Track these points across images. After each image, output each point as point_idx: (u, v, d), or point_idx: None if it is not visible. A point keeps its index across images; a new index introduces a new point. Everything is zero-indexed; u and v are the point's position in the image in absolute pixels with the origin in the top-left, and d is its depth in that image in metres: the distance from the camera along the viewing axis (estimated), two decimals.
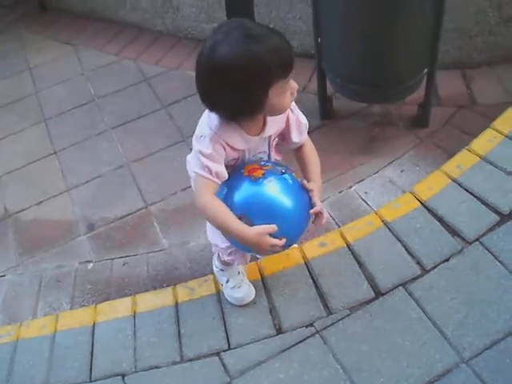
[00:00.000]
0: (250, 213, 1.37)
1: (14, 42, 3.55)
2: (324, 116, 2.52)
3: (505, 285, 1.66)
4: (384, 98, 2.32)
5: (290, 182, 1.43)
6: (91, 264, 2.18)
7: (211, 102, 1.31)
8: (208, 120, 1.36)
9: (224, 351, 1.69)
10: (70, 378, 1.73)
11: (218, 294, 1.84)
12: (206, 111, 1.38)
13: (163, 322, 1.81)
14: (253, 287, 1.79)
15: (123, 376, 1.70)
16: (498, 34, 2.63)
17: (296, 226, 1.45)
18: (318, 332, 1.67)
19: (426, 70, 2.21)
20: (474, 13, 2.56)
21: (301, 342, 1.66)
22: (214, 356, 1.69)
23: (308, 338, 1.67)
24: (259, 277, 1.85)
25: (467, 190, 1.93)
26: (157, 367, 1.70)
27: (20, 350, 1.84)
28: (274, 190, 1.40)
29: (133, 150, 2.59)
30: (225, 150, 1.37)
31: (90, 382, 1.71)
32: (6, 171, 2.66)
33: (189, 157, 1.52)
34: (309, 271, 1.82)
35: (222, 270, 1.79)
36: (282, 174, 1.43)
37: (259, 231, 1.34)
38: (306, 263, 1.85)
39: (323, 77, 2.36)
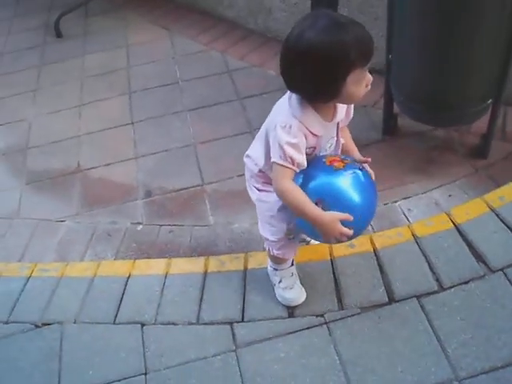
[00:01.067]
0: (327, 199, 1.44)
1: (119, 20, 3.85)
2: (386, 132, 2.58)
3: None
4: (443, 122, 2.35)
5: (366, 178, 1.52)
6: (141, 226, 2.36)
7: (293, 82, 1.38)
8: (290, 109, 1.43)
9: (237, 322, 1.82)
10: (97, 317, 1.92)
11: (245, 271, 1.97)
12: (283, 100, 1.47)
13: (189, 286, 1.96)
14: (304, 290, 1.84)
15: (143, 325, 1.86)
16: None
17: (366, 220, 1.54)
18: (326, 323, 1.76)
19: (490, 100, 2.23)
20: None
21: (308, 328, 1.76)
22: (226, 325, 1.82)
23: (315, 326, 1.76)
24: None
25: (503, 221, 1.94)
26: (174, 324, 1.85)
27: (62, 285, 2.06)
28: (352, 182, 1.47)
29: (202, 133, 2.76)
30: (306, 138, 1.44)
31: (114, 323, 1.89)
32: (86, 132, 2.92)
33: (252, 152, 1.63)
34: (332, 267, 1.91)
35: (275, 269, 1.84)
36: (360, 169, 1.51)
37: (334, 217, 1.42)
38: (331, 259, 1.94)
39: (390, 93, 2.43)
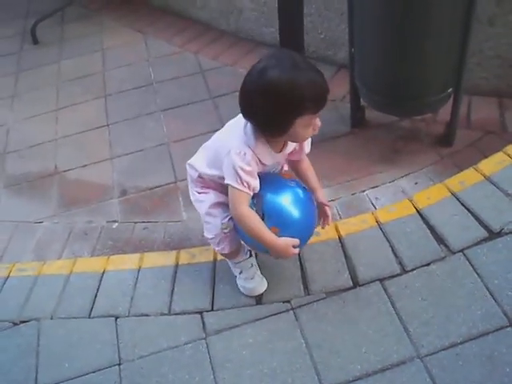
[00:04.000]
0: (279, 225, 1.59)
1: (95, 25, 3.91)
2: (354, 124, 2.65)
3: (476, 295, 1.74)
4: (405, 112, 2.42)
5: (307, 193, 1.70)
6: (116, 224, 2.42)
7: (248, 111, 1.48)
8: (245, 138, 1.53)
9: (207, 311, 1.87)
10: (73, 312, 1.97)
11: (215, 263, 2.03)
12: (237, 124, 1.57)
13: (161, 279, 2.02)
14: (265, 280, 1.91)
15: (116, 317, 1.92)
16: None
17: (309, 232, 1.71)
18: (292, 309, 1.82)
19: (451, 89, 2.29)
20: None
21: (275, 314, 1.82)
22: (196, 314, 1.87)
23: (282, 312, 1.82)
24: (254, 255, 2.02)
25: (463, 205, 2.01)
26: (147, 315, 1.91)
27: (39, 283, 2.11)
28: (298, 195, 1.65)
29: (175, 132, 2.82)
30: (257, 165, 1.55)
31: (89, 317, 1.94)
32: (63, 135, 2.98)
33: (195, 161, 1.81)
34: (298, 255, 1.96)
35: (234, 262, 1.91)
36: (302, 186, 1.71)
37: (287, 243, 1.58)
38: None
39: (355, 87, 2.49)
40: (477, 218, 1.96)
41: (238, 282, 1.91)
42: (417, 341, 1.66)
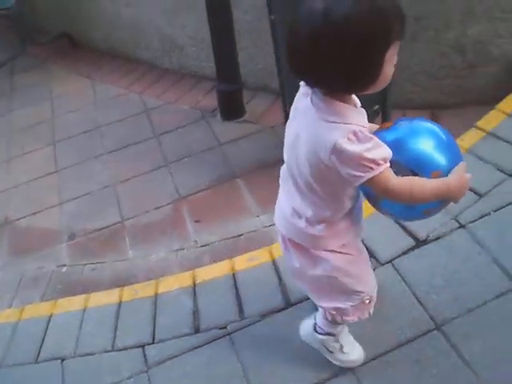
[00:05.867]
0: (434, 166, 1.25)
1: (44, 74, 4.03)
2: None
3: (404, 303, 1.80)
4: None
5: (422, 120, 1.36)
6: (66, 267, 2.48)
7: (323, 72, 1.10)
8: (333, 120, 1.14)
9: (148, 344, 1.92)
10: (21, 359, 2.02)
11: (156, 296, 2.09)
12: (310, 117, 1.17)
13: (105, 317, 2.07)
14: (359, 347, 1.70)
15: (63, 360, 1.96)
16: (464, 77, 2.78)
17: (459, 149, 1.35)
18: (229, 334, 1.87)
19: (376, 107, 2.39)
20: (438, 57, 2.72)
21: (212, 341, 1.87)
22: (138, 348, 1.92)
23: (219, 338, 1.87)
24: (191, 283, 2.08)
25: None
26: (91, 354, 1.95)
27: None
28: (420, 128, 1.32)
29: (121, 172, 2.90)
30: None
31: (36, 363, 1.98)
32: (14, 185, 3.05)
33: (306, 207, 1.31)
34: (234, 281, 2.03)
35: (332, 334, 1.61)
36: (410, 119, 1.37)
37: (460, 174, 1.25)
38: (233, 274, 2.06)
39: (287, 113, 2.58)
40: (404, 229, 2.03)
41: (336, 357, 1.66)
42: None
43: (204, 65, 3.31)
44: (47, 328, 2.10)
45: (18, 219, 2.81)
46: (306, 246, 1.37)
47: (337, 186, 1.23)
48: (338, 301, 1.46)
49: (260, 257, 2.09)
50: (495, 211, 1.99)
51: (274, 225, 2.25)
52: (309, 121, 1.18)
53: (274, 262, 2.06)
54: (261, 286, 2.00)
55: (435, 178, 1.23)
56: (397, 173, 1.20)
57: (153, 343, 1.93)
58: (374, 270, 1.90)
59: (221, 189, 2.65)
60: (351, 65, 1.07)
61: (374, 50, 1.07)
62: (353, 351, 1.66)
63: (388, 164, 1.16)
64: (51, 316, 2.15)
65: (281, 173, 1.39)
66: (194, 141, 2.96)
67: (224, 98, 3.01)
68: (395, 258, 1.95)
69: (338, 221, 1.32)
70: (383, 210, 1.38)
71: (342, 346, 1.63)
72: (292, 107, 1.28)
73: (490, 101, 2.54)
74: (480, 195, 2.05)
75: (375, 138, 1.15)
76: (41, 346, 2.03)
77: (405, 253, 1.96)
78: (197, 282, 2.09)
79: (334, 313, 1.49)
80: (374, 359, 1.68)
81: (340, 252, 1.37)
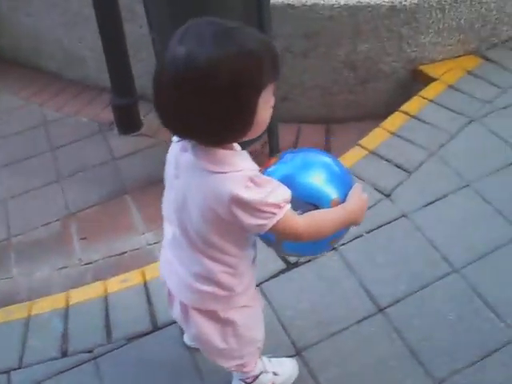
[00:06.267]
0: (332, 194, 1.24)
1: None
2: None
3: (268, 329, 1.77)
4: None
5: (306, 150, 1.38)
6: None
7: (190, 122, 1.04)
8: (222, 171, 1.08)
9: (14, 370, 1.91)
10: None
11: (28, 319, 2.07)
12: (197, 172, 1.10)
13: None
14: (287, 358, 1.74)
15: None
16: (357, 92, 2.88)
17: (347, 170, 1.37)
18: (94, 358, 1.89)
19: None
20: (330, 73, 2.81)
21: (78, 365, 1.88)
22: (4, 374, 1.91)
23: (85, 362, 1.88)
24: (63, 305, 2.08)
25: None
26: None
27: None
28: (310, 158, 1.31)
29: (13, 187, 2.87)
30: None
31: None
32: None
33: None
34: (106, 303, 2.05)
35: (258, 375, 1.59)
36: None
37: (356, 196, 1.24)
38: (106, 296, 2.08)
39: None
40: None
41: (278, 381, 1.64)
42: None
43: (104, 77, 3.28)
44: None
45: None
46: (216, 309, 1.30)
47: (241, 237, 1.20)
48: (240, 358, 1.45)
49: (133, 278, 2.11)
50: (368, 233, 2.07)
51: (158, 242, 2.28)
52: (195, 177, 1.11)
53: (145, 285, 2.08)
54: (130, 308, 2.02)
55: (335, 205, 1.22)
56: (296, 209, 1.17)
57: (19, 368, 1.92)
58: None
59: (109, 205, 2.66)
60: (219, 114, 1.01)
61: (243, 96, 1.01)
62: (284, 367, 1.68)
63: (289, 205, 1.12)
64: None
65: (167, 241, 1.32)
66: (89, 155, 2.95)
67: (119, 111, 3.00)
68: (264, 282, 1.98)
69: (246, 272, 1.29)
70: (286, 251, 1.38)
71: (274, 373, 1.63)
72: (169, 166, 1.21)
73: (384, 115, 2.65)
74: None
75: (272, 180, 1.12)
76: None
77: (274, 276, 2.00)
78: (70, 303, 2.09)
79: (234, 369, 1.51)
80: None
81: (247, 306, 1.35)
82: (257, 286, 1.87)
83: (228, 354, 1.41)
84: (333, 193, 1.23)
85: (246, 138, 1.11)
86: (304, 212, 1.18)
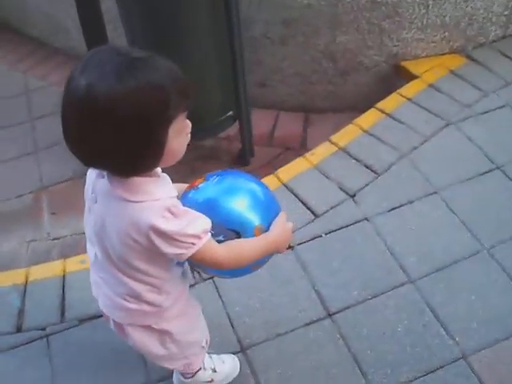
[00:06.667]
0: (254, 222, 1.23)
1: None
2: None
3: (215, 323, 1.80)
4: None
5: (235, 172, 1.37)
6: None
7: (95, 155, 1.02)
8: (146, 196, 1.08)
9: None
10: None
11: None
12: (112, 202, 1.09)
13: None
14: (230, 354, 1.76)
15: None
16: (337, 84, 2.85)
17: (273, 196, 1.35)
18: (46, 336, 1.92)
19: (230, 113, 2.42)
20: (310, 62, 2.78)
21: (30, 342, 1.91)
22: None
23: (37, 339, 1.91)
24: (22, 281, 2.10)
25: None
26: None
27: None
28: (237, 184, 1.28)
29: None
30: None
31: None
32: None
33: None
34: (63, 283, 2.06)
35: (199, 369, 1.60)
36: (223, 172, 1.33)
37: (280, 225, 1.25)
38: (64, 275, 2.09)
39: None
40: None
41: (217, 382, 1.67)
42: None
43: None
44: None
45: None
46: (148, 323, 1.32)
47: (163, 261, 1.19)
48: (184, 359, 1.47)
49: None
50: (327, 234, 2.06)
51: None
52: (112, 205, 1.10)
53: None
54: (86, 289, 2.02)
55: (258, 233, 1.21)
56: (218, 234, 1.17)
57: None
58: (195, 284, 1.92)
59: (82, 181, 2.63)
60: (124, 147, 0.99)
61: (147, 130, 0.99)
62: (224, 364, 1.69)
63: (209, 235, 1.13)
64: None
65: (91, 262, 1.33)
66: None
67: None
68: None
69: (172, 289, 1.29)
70: (210, 272, 1.40)
71: (213, 369, 1.64)
72: (88, 188, 1.20)
73: (363, 108, 2.63)
74: (316, 215, 2.12)
75: (191, 211, 1.12)
76: None
77: None
78: (29, 279, 2.12)
79: (182, 369, 1.53)
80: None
81: (180, 315, 1.36)
82: (209, 278, 1.94)
83: (171, 357, 1.44)
84: (256, 220, 1.22)
85: (160, 166, 1.12)
86: (226, 238, 1.18)
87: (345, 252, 1.98)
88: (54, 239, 2.44)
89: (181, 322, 1.37)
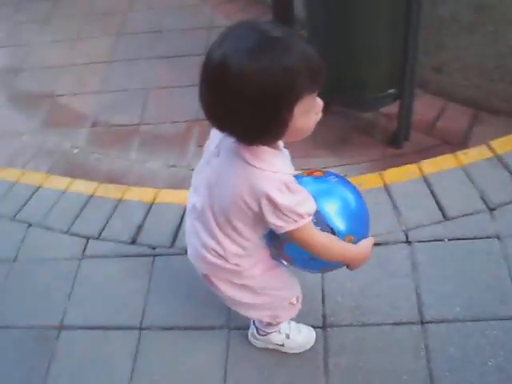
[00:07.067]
0: (351, 230, 1.28)
1: None
2: None
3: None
4: (343, 104, 2.46)
5: (348, 181, 1.38)
6: (77, 150, 2.78)
7: (223, 121, 1.09)
8: (260, 167, 1.12)
9: (93, 238, 2.18)
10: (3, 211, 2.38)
11: (119, 201, 2.32)
12: (230, 163, 1.16)
13: (75, 203, 2.34)
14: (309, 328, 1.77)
15: (29, 225, 2.29)
16: None
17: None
18: (154, 255, 2.07)
19: (391, 91, 2.30)
20: (495, 55, 2.51)
21: (138, 256, 2.09)
22: (83, 238, 2.19)
23: (144, 255, 2.08)
24: (150, 200, 2.28)
25: None
26: (50, 229, 2.26)
27: None
28: (348, 190, 1.33)
29: (161, 79, 3.07)
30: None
31: (11, 220, 2.34)
32: (71, 64, 3.34)
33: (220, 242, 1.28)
34: (183, 213, 2.14)
35: (274, 331, 1.69)
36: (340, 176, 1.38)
37: (369, 245, 1.31)
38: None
39: None
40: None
41: (290, 349, 1.72)
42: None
43: None
44: (31, 196, 2.44)
45: (60, 95, 3.13)
46: (228, 279, 1.38)
47: (260, 225, 1.23)
48: (270, 310, 1.53)
49: None
50: (450, 240, 1.91)
51: None
52: (234, 163, 1.15)
53: None
54: None
55: (348, 241, 1.26)
56: (317, 224, 1.22)
57: (97, 239, 2.18)
58: None
59: None
60: (247, 119, 1.04)
61: (270, 107, 1.02)
62: (300, 334, 1.72)
63: (311, 217, 1.17)
64: (39, 187, 2.48)
65: (188, 210, 1.39)
66: None
67: None
68: None
69: (254, 254, 1.35)
70: (283, 253, 1.39)
71: (287, 335, 1.70)
72: (212, 142, 1.26)
73: None
74: (445, 217, 1.97)
75: (304, 191, 1.16)
76: (20, 210, 2.38)
77: None
78: (156, 201, 2.29)
79: (268, 320, 1.58)
80: None
81: (261, 275, 1.40)
82: None
83: (256, 308, 1.49)
84: (352, 230, 1.28)
85: (285, 141, 1.19)
86: (322, 230, 1.24)
87: (462, 264, 1.82)
88: (192, 170, 2.56)
89: (263, 280, 1.41)
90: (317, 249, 1.22)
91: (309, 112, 1.09)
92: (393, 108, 2.48)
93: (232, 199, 1.17)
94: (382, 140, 2.58)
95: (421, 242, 1.91)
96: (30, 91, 3.21)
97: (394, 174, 2.17)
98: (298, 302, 1.57)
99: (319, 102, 1.12)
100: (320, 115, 1.14)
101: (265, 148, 1.12)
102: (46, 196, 2.42)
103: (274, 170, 1.12)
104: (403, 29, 2.11)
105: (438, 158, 2.22)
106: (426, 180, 2.10)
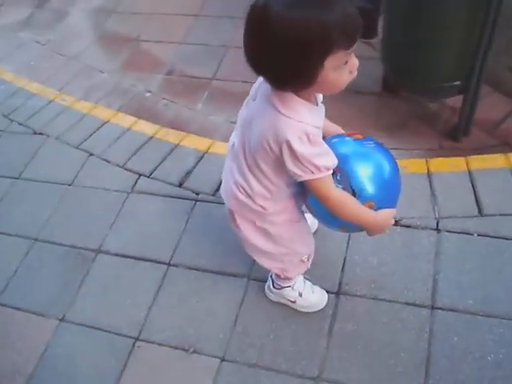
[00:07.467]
0: (373, 196, 1.32)
1: None
2: (385, 87, 2.73)
3: (332, 260, 1.93)
4: (409, 90, 2.46)
5: (387, 150, 1.41)
6: (149, 94, 2.93)
7: (259, 62, 1.15)
8: (287, 114, 1.18)
9: (144, 176, 2.34)
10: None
11: (177, 146, 2.44)
12: (262, 107, 1.23)
13: (134, 140, 2.51)
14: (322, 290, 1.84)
15: (91, 154, 2.47)
16: None
17: (400, 193, 1.42)
18: (196, 200, 2.20)
19: (457, 82, 2.28)
20: None
21: (181, 198, 2.22)
22: (135, 174, 2.35)
23: (187, 199, 2.21)
24: (204, 150, 2.40)
25: None
26: (108, 161, 2.43)
27: (65, 112, 2.77)
28: (383, 157, 1.36)
29: (241, 39, 3.03)
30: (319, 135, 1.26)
31: (76, 148, 2.54)
32: (159, 12, 3.47)
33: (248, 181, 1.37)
34: None
35: (288, 286, 1.77)
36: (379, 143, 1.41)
37: (388, 215, 1.36)
38: None
39: None
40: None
41: (301, 307, 1.81)
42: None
43: None
44: (98, 128, 2.63)
45: (144, 40, 3.29)
46: (252, 219, 1.47)
47: (284, 173, 1.29)
48: (281, 263, 1.62)
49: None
50: (479, 235, 1.90)
51: None
52: (266, 108, 1.22)
53: None
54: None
55: (368, 206, 1.32)
56: (339, 183, 1.29)
57: (148, 177, 2.33)
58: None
59: None
60: (279, 63, 1.10)
61: (300, 56, 1.08)
62: (312, 294, 1.79)
63: (330, 172, 1.24)
64: (107, 122, 2.67)
65: (228, 148, 1.46)
66: None
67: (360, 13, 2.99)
68: None
69: (280, 200, 1.42)
70: (307, 203, 1.46)
71: (300, 293, 1.78)
72: (255, 86, 1.35)
73: None
74: (481, 213, 1.96)
75: (325, 145, 1.23)
76: (85, 140, 2.57)
77: None
78: (209, 150, 2.40)
79: (276, 271, 1.68)
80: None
81: (282, 224, 1.49)
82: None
83: (270, 256, 1.58)
84: (375, 197, 1.31)
85: (317, 93, 1.26)
86: (344, 190, 1.30)
87: (485, 261, 1.82)
88: None
89: (283, 229, 1.50)
90: (332, 204, 1.29)
91: (341, 68, 1.13)
92: (459, 101, 2.45)
93: (259, 141, 1.25)
94: (442, 132, 2.54)
95: (450, 232, 1.92)
96: (117, 33, 3.39)
97: (439, 164, 2.17)
98: (308, 260, 1.64)
99: (355, 62, 1.15)
100: (354, 75, 1.17)
101: (295, 97, 1.19)
102: (111, 131, 2.59)
103: (299, 119, 1.18)
104: (480, 23, 2.08)
105: (488, 156, 2.20)
106: (470, 174, 2.09)
